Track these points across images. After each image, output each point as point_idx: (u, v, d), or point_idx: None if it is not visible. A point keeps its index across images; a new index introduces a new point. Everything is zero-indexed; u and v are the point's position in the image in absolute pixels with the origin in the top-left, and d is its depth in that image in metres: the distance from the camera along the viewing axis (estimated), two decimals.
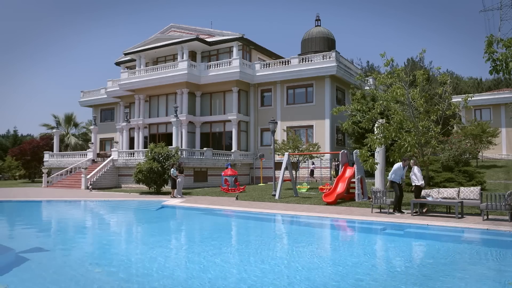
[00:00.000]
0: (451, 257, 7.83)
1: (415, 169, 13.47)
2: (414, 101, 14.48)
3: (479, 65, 77.00)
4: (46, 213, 17.49)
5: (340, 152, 18.49)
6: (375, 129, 16.08)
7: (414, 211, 12.84)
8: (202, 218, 14.76)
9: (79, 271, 7.02)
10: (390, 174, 13.71)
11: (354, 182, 17.37)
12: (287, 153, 20.01)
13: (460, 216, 11.80)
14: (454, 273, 6.57)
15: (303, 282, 5.99)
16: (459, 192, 12.89)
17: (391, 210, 13.38)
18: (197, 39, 32.89)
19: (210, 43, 34.03)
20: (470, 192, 12.66)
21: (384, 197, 13.49)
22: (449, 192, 13.00)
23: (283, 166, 19.45)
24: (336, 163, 27.79)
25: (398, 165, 13.66)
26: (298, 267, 7.06)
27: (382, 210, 13.76)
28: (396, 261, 7.57)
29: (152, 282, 6.14)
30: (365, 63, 71.42)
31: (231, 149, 32.47)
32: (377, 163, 14.86)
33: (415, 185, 13.42)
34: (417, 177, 13.35)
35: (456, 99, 26.33)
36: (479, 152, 29.91)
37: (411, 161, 13.92)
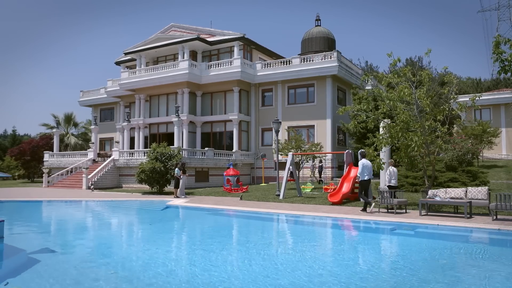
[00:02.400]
0: (471, 257, 7.82)
1: (392, 169, 14.67)
2: (420, 101, 14.46)
3: (478, 65, 77.32)
4: (52, 214, 17.33)
5: (345, 152, 18.48)
6: (381, 129, 16.08)
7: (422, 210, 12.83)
8: (211, 218, 14.68)
9: (92, 272, 6.94)
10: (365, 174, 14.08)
11: (358, 182, 17.33)
12: (291, 153, 20.00)
13: (468, 216, 11.79)
14: (481, 274, 6.55)
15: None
16: (466, 192, 12.88)
17: (398, 210, 13.38)
18: (198, 38, 32.80)
19: (211, 43, 33.94)
20: (478, 192, 12.65)
21: (391, 198, 13.50)
22: (456, 192, 12.99)
23: (287, 166, 19.45)
24: (320, 164, 27.42)
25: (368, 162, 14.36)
26: (337, 265, 7.03)
27: (389, 210, 13.74)
28: (419, 261, 7.50)
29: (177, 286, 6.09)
30: (364, 63, 71.59)
31: (232, 149, 32.41)
32: (383, 163, 14.84)
33: (390, 185, 14.54)
34: (392, 177, 14.64)
35: (462, 98, 26.36)
36: (481, 152, 29.99)
37: (390, 160, 15.05)
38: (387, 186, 14.63)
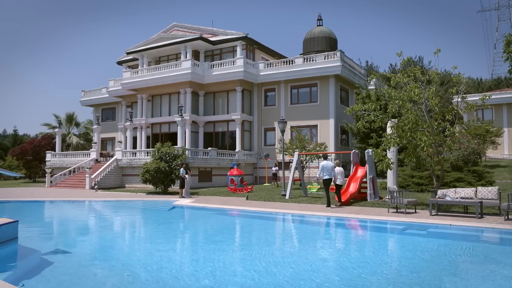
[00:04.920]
0: (490, 257, 7.81)
1: (338, 169, 15.81)
2: (428, 101, 14.43)
3: (478, 65, 77.36)
4: (60, 214, 17.11)
5: (352, 152, 18.44)
6: (388, 129, 16.04)
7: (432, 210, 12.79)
8: (223, 219, 14.57)
9: (107, 274, 6.85)
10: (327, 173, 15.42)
11: (365, 182, 17.33)
12: (297, 153, 19.95)
13: (480, 216, 11.75)
14: (503, 274, 6.52)
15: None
16: (476, 192, 12.86)
17: (409, 210, 13.36)
18: (201, 38, 32.74)
19: (213, 43, 33.88)
20: (488, 192, 12.63)
21: (400, 197, 13.48)
22: (466, 192, 12.97)
23: (293, 166, 19.42)
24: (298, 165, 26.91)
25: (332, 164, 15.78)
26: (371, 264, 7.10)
27: (398, 210, 13.70)
28: (443, 261, 7.47)
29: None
30: (364, 63, 71.62)
31: (234, 148, 32.35)
32: (392, 163, 14.80)
33: (336, 184, 15.74)
34: (338, 176, 15.68)
35: (471, 98, 26.31)
36: (485, 152, 29.98)
37: (335, 161, 16.38)
38: (336, 184, 15.84)
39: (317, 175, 15.80)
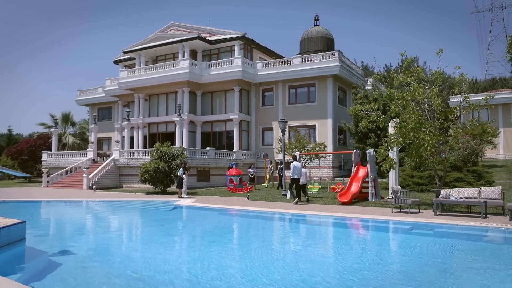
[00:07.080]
0: (502, 257, 7.83)
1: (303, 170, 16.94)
2: (431, 101, 14.47)
3: (473, 65, 77.80)
4: (63, 214, 16.91)
5: (353, 152, 18.47)
6: (391, 129, 16.07)
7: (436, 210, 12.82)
8: (227, 219, 14.51)
9: (117, 275, 6.74)
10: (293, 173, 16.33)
11: (366, 182, 17.36)
12: (298, 152, 19.93)
13: (484, 215, 11.80)
14: None
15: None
16: (479, 191, 12.91)
17: (413, 210, 13.40)
18: (199, 37, 32.62)
19: (211, 42, 33.77)
20: (491, 192, 12.69)
21: (404, 197, 13.51)
22: (469, 192, 13.01)
23: None
24: (271, 165, 27.16)
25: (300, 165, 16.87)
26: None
27: (402, 210, 13.72)
28: (458, 260, 7.50)
29: None
30: (360, 63, 71.85)
31: (232, 148, 32.29)
32: (395, 163, 14.83)
33: (292, 178, 16.52)
34: (295, 172, 16.40)
35: (474, 97, 26.46)
36: (484, 152, 30.17)
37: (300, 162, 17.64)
38: (291, 179, 16.51)
39: (290, 175, 16.52)
